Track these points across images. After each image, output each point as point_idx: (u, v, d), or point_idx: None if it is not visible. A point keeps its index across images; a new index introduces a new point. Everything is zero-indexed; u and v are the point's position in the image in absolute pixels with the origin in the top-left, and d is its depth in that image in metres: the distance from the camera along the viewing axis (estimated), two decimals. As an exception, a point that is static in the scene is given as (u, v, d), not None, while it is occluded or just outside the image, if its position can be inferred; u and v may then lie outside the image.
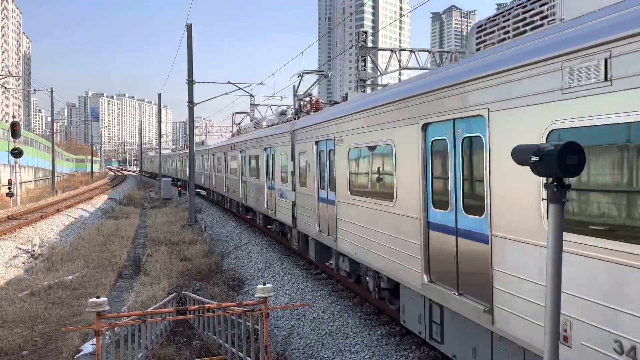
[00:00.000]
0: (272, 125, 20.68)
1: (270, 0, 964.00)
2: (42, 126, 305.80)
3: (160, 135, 60.70)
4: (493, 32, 6.99)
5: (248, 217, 26.85)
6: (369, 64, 23.50)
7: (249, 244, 20.92)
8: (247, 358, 8.39)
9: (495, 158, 6.13)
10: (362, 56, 23.26)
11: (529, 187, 5.58)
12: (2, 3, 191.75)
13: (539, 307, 5.34)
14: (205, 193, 44.94)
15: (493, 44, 6.96)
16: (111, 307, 10.26)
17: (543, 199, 5.35)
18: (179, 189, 51.60)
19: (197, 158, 41.64)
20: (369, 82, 23.61)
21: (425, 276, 7.80)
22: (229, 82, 31.97)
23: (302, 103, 18.31)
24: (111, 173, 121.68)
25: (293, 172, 15.65)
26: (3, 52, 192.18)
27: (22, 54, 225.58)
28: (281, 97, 36.34)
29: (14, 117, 45.59)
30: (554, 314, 4.00)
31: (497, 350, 6.50)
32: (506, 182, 5.93)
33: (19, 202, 38.18)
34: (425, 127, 7.74)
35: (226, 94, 32.39)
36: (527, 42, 5.77)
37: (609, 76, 4.58)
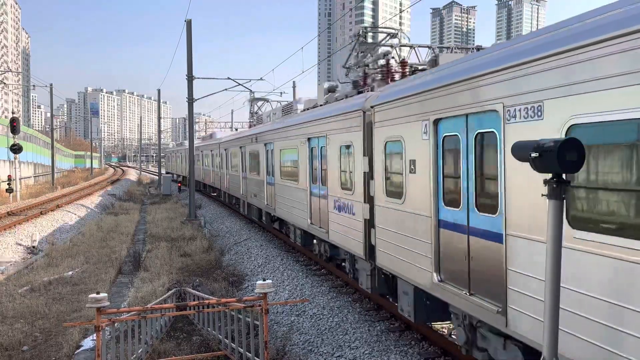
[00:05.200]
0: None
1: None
2: (41, 122, 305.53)
3: (160, 131, 60.66)
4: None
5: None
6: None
7: (249, 240, 20.94)
8: (247, 353, 8.41)
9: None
10: (362, 52, 23.22)
11: None
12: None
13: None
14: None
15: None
16: (111, 303, 10.31)
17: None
18: (179, 185, 51.44)
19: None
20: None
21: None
22: (229, 78, 31.89)
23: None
24: (111, 170, 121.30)
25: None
26: (2, 47, 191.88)
27: (21, 50, 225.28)
28: (281, 93, 36.20)
29: (13, 112, 45.45)
30: (554, 308, 4.01)
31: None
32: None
33: (18, 198, 38.19)
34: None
35: (226, 89, 32.26)
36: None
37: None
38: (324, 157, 12.74)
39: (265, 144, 19.33)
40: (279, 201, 17.32)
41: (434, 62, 9.99)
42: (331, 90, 15.08)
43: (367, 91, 11.58)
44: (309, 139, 13.90)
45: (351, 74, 15.63)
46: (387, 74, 12.05)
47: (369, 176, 10.15)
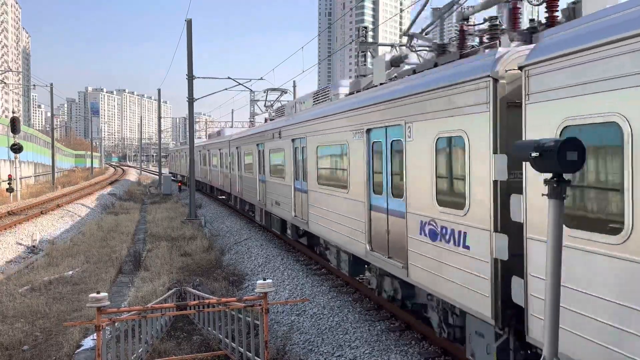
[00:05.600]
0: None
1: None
2: (41, 122, 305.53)
3: (160, 131, 60.66)
4: None
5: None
6: (369, 59, 23.50)
7: (249, 240, 20.94)
8: (247, 353, 8.42)
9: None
10: (362, 51, 23.24)
11: None
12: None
13: None
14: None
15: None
16: (111, 303, 10.31)
17: None
18: (179, 184, 51.54)
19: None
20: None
21: None
22: (229, 78, 31.90)
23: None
24: (111, 169, 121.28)
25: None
26: (2, 47, 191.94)
27: (21, 49, 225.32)
28: (281, 92, 36.08)
29: (13, 112, 45.57)
30: (554, 308, 4.00)
31: None
32: None
33: (19, 197, 38.20)
34: None
35: (226, 89, 32.29)
36: None
37: None
38: (400, 156, 8.97)
39: (292, 140, 15.98)
40: (315, 214, 13.80)
41: (572, 12, 6.96)
42: (395, 63, 10.94)
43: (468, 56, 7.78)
44: (368, 131, 10.22)
45: (418, 40, 11.65)
46: (515, 24, 7.93)
47: (506, 188, 6.44)
